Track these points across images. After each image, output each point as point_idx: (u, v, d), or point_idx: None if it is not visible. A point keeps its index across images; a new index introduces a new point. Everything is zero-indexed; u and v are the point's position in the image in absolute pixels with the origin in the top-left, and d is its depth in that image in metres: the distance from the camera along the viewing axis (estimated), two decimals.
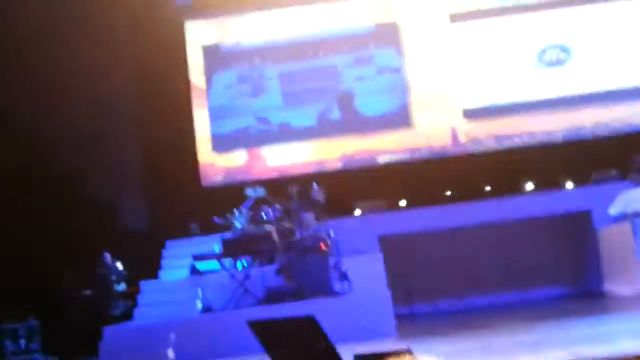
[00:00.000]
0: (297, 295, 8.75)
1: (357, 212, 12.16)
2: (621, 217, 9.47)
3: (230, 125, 13.46)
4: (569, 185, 12.30)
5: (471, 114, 13.23)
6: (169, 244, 11.56)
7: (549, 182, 12.30)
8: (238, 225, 10.39)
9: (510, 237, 12.13)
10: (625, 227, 9.29)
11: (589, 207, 11.29)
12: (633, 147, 11.52)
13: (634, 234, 8.98)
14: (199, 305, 9.51)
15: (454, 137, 13.26)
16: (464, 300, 11.77)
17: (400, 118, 13.33)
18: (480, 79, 13.26)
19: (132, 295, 10.25)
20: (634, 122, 12.97)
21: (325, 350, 4.48)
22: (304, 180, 11.00)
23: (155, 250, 11.24)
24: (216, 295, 9.42)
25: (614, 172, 11.84)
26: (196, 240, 11.47)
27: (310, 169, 13.06)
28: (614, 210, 9.15)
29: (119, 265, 10.95)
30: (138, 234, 11.89)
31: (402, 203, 12.38)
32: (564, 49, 13.23)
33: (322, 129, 13.42)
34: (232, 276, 9.40)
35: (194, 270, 10.22)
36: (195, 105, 13.43)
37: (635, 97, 12.99)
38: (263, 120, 13.47)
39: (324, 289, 8.90)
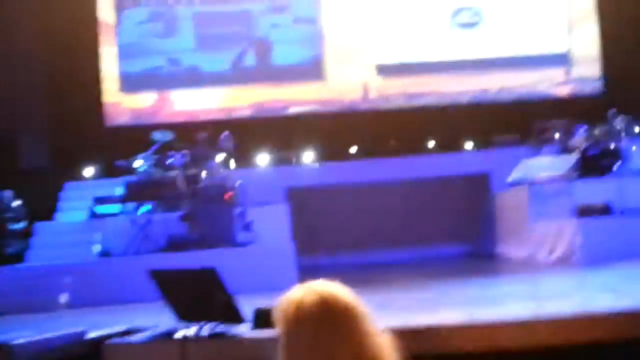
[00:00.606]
0: (199, 244, 8.68)
1: (265, 162, 12.13)
2: (518, 183, 9.84)
3: (139, 65, 13.05)
4: (471, 147, 12.66)
5: (384, 70, 13.33)
6: (68, 185, 11.20)
7: (452, 144, 12.62)
8: (142, 169, 10.15)
9: (413, 195, 12.45)
10: (521, 192, 9.68)
11: (488, 170, 11.70)
12: (534, 114, 11.94)
13: (529, 199, 9.37)
14: (97, 249, 9.28)
15: (365, 92, 13.36)
16: (366, 254, 12.04)
17: (313, 70, 13.28)
18: (394, 35, 13.34)
19: (27, 236, 9.90)
20: (537, 89, 13.43)
21: (225, 302, 4.50)
22: (212, 127, 10.84)
23: (54, 191, 10.86)
24: (116, 240, 9.22)
25: (514, 137, 12.28)
26: (97, 182, 11.16)
27: (219, 116, 12.88)
28: (512, 177, 9.49)
29: (17, 204, 10.53)
30: (37, 173, 11.42)
31: (310, 156, 12.43)
32: (477, 13, 13.45)
33: (234, 76, 13.21)
34: (134, 221, 9.21)
35: (93, 213, 9.96)
36: (102, 42, 12.91)
37: (540, 65, 13.42)
38: (174, 61, 13.12)
39: (228, 239, 8.87)
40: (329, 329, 1.92)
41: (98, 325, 4.99)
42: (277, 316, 1.98)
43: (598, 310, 4.19)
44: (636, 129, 10.71)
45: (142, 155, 10.21)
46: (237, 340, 4.25)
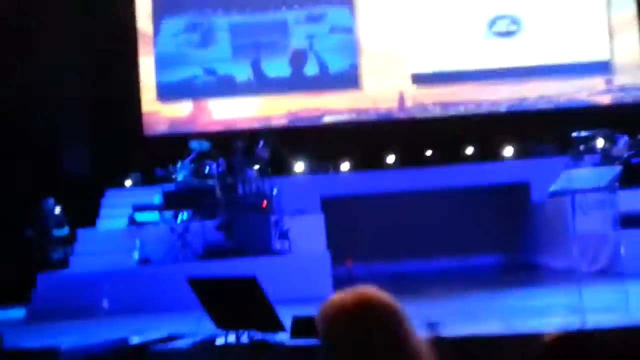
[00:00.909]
0: (236, 252, 8.71)
1: (301, 171, 12.13)
2: (560, 193, 9.68)
3: (177, 75, 13.17)
4: (510, 156, 12.52)
5: (419, 79, 13.26)
6: (109, 192, 11.34)
7: (490, 153, 12.50)
8: (180, 177, 10.24)
9: (450, 204, 12.34)
10: (563, 203, 9.53)
11: (528, 180, 11.55)
12: (575, 123, 11.77)
13: (573, 209, 9.21)
14: (136, 256, 9.38)
15: (401, 101, 13.30)
16: (401, 264, 11.96)
17: (349, 79, 13.27)
18: (430, 44, 13.28)
19: (69, 243, 10.04)
20: (577, 98, 13.24)
21: (265, 311, 4.49)
22: (249, 136, 10.89)
23: (95, 198, 11.01)
24: (154, 247, 9.30)
25: (554, 146, 12.12)
26: (136, 190, 11.28)
27: (255, 125, 12.94)
28: (554, 187, 9.34)
29: (59, 211, 10.71)
30: (78, 181, 11.60)
31: (346, 165, 12.41)
32: (515, 21, 13.33)
33: (271, 84, 13.27)
34: (172, 229, 9.28)
35: (132, 221, 10.06)
36: (141, 52, 13.07)
37: (580, 73, 13.23)
38: (210, 71, 13.23)
39: (264, 247, 8.89)
40: (371, 328, 1.92)
41: (139, 332, 5.02)
42: (319, 319, 1.99)
43: None
44: None
45: (180, 164, 10.32)
46: (277, 348, 4.25)
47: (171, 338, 4.77)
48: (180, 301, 6.51)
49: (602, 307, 5.08)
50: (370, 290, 2.01)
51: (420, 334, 1.99)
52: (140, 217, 9.94)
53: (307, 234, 9.69)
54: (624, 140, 10.59)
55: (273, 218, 9.38)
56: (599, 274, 8.16)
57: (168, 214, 9.73)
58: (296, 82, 13.27)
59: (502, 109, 13.21)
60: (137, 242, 9.54)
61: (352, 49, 13.31)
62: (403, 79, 13.26)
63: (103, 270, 8.67)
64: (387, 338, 1.91)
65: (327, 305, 1.99)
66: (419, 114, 13.19)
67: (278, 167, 10.94)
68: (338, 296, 2.00)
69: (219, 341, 4.40)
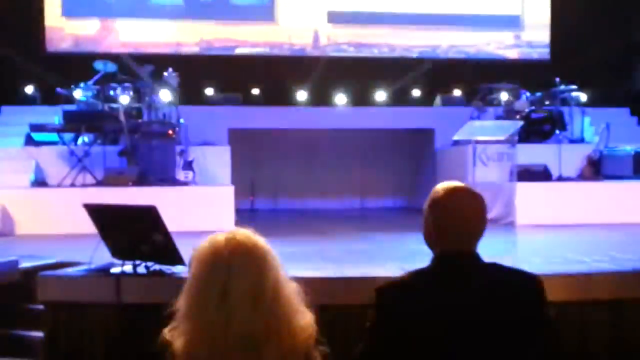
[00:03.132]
0: (138, 180, 8.52)
1: (210, 101, 11.92)
2: (462, 143, 9.95)
3: None
4: (417, 102, 12.71)
5: (335, 18, 13.17)
6: (4, 109, 10.79)
7: (399, 97, 12.66)
8: (83, 98, 9.86)
9: (356, 145, 12.48)
10: (464, 152, 9.81)
11: (433, 127, 11.79)
12: (482, 74, 12.06)
13: (473, 159, 9.50)
14: (32, 177, 9.02)
15: (316, 38, 13.20)
16: (304, 202, 12.06)
17: (265, 11, 13.03)
18: None
19: None
20: (486, 50, 13.52)
21: (163, 242, 4.43)
22: (158, 61, 10.57)
23: None
24: (52, 169, 8.97)
25: (460, 95, 12.39)
26: (35, 108, 10.79)
27: (166, 50, 12.56)
28: (457, 136, 9.59)
29: None
30: None
31: (256, 98, 12.27)
32: None
33: (185, 9, 12.85)
34: (71, 152, 8.97)
35: (29, 140, 9.64)
36: None
37: (491, 25, 13.48)
38: None
39: (168, 177, 8.74)
40: (233, 273, 1.94)
41: (30, 257, 4.88)
42: (191, 258, 2.01)
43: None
44: (580, 97, 10.92)
45: (84, 84, 9.91)
46: (174, 279, 4.21)
47: (63, 264, 4.65)
48: (75, 227, 6.35)
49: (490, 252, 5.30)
50: (244, 234, 2.02)
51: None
52: (38, 137, 9.53)
53: (212, 165, 9.61)
54: (526, 95, 10.94)
55: (178, 147, 9.21)
56: (492, 222, 8.48)
57: (68, 135, 9.36)
58: (210, 11, 12.91)
59: (415, 54, 13.35)
60: (33, 163, 9.16)
61: None
62: (319, 16, 13.13)
63: None
64: (246, 285, 1.92)
65: (199, 246, 2.01)
66: (333, 53, 13.15)
67: (187, 95, 10.70)
68: (212, 237, 2.03)
69: (114, 270, 4.31)
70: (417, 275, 2.40)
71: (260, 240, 2.04)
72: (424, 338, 2.25)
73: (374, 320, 2.34)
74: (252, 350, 1.91)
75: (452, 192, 2.44)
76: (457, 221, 2.39)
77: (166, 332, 2.03)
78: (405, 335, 2.26)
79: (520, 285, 2.37)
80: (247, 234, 2.05)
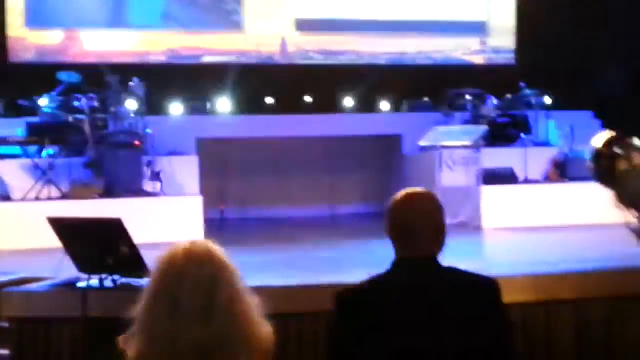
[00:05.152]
0: (105, 191, 8.43)
1: (177, 111, 11.85)
2: (429, 148, 10.03)
3: (48, 1, 12.39)
4: (385, 109, 12.78)
5: (303, 26, 13.19)
6: None
7: (367, 104, 12.70)
8: (47, 110, 9.73)
9: (325, 152, 12.49)
10: (431, 157, 9.88)
11: (400, 133, 11.86)
12: (449, 80, 12.15)
13: (439, 164, 9.58)
14: None
15: (283, 46, 13.21)
16: (274, 210, 12.03)
17: (231, 20, 13.00)
18: None
19: None
20: (452, 56, 13.64)
21: (130, 254, 4.39)
22: (124, 71, 10.47)
23: None
24: (15, 183, 8.82)
25: (427, 101, 12.48)
26: None
27: (132, 59, 12.45)
28: (424, 142, 9.66)
29: None
30: None
31: (224, 107, 12.23)
32: None
33: (151, 18, 12.76)
34: (36, 165, 8.84)
35: None
36: None
37: (455, 32, 13.60)
38: None
39: (134, 188, 8.66)
40: (195, 282, 1.92)
41: None
42: (152, 270, 2.01)
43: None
44: (544, 101, 11.08)
45: (47, 95, 9.79)
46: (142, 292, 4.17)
47: (28, 280, 4.58)
48: (40, 242, 6.26)
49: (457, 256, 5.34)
50: (202, 245, 2.02)
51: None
52: (1, 150, 9.38)
53: (180, 176, 9.54)
54: (492, 100, 11.07)
55: (145, 158, 9.13)
56: (459, 227, 8.55)
57: (32, 148, 9.23)
58: (177, 19, 12.85)
59: (382, 61, 13.42)
60: None
61: None
62: (286, 24, 13.14)
63: None
64: (198, 297, 1.91)
65: (160, 255, 2.01)
66: (301, 61, 13.16)
67: (153, 105, 10.62)
68: (171, 247, 2.02)
69: (81, 285, 4.26)
70: (376, 280, 2.44)
71: (218, 251, 2.03)
72: (382, 343, 2.27)
73: (333, 325, 2.38)
74: None
75: (407, 198, 2.50)
76: (412, 226, 2.44)
77: (121, 340, 2.01)
78: (363, 339, 2.29)
79: (478, 288, 2.40)
80: (205, 244, 2.04)
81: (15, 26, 12.24)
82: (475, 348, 2.29)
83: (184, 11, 12.90)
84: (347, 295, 2.40)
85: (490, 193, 8.62)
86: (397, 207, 2.49)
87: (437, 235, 2.46)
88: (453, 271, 2.44)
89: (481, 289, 2.39)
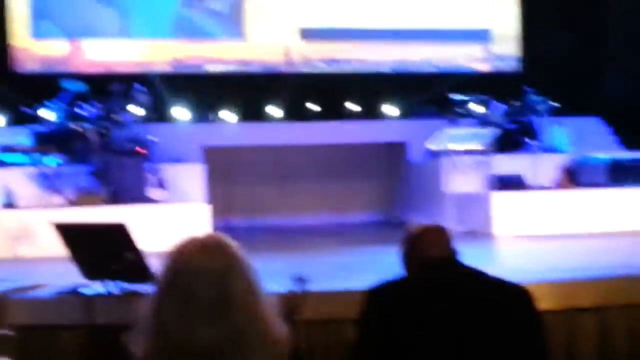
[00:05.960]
0: (110, 199, 8.40)
1: (182, 119, 11.84)
2: (436, 153, 9.96)
3: (53, 12, 12.41)
4: (390, 116, 12.74)
5: (307, 34, 13.19)
6: None
7: (372, 111, 12.67)
8: (52, 119, 9.71)
9: (330, 160, 12.46)
10: (438, 163, 9.81)
11: (406, 140, 11.82)
12: (453, 87, 12.10)
13: (448, 169, 9.51)
14: (2, 200, 8.84)
15: (287, 55, 13.19)
16: (281, 218, 11.98)
17: (235, 29, 13.00)
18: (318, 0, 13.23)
19: None
20: (457, 63, 13.60)
21: (135, 260, 4.33)
22: (128, 80, 10.46)
23: None
24: (22, 191, 8.79)
25: (432, 108, 12.44)
26: (3, 130, 10.61)
27: (137, 69, 12.45)
28: (432, 145, 9.59)
29: None
30: None
31: (229, 115, 12.21)
32: None
33: (155, 29, 12.77)
34: (42, 173, 8.82)
35: None
36: None
37: (459, 40, 13.57)
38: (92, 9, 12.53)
39: (140, 196, 8.62)
40: (208, 275, 1.83)
41: (1, 279, 4.73)
42: (163, 263, 1.93)
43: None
44: (551, 107, 11.01)
45: (53, 104, 9.78)
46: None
47: (34, 287, 4.52)
48: (47, 249, 6.22)
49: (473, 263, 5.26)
50: (216, 237, 1.93)
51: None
52: (8, 158, 9.36)
53: (186, 183, 9.50)
54: (496, 106, 11.01)
55: (150, 166, 9.10)
56: (469, 233, 8.46)
57: (38, 156, 9.21)
58: (182, 29, 12.86)
59: (386, 69, 13.39)
60: (3, 185, 8.97)
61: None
62: (290, 32, 13.13)
63: None
64: (213, 291, 1.82)
65: (172, 247, 1.93)
66: (305, 69, 13.14)
67: (159, 114, 10.61)
68: (184, 239, 1.95)
69: (86, 291, 4.21)
70: (404, 281, 2.51)
71: (232, 243, 1.95)
72: (411, 337, 2.27)
73: (364, 319, 2.42)
74: None
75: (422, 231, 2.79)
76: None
77: (127, 339, 1.90)
78: (394, 333, 2.29)
79: (510, 295, 2.39)
80: (218, 236, 1.96)
81: (21, 36, 12.26)
82: (506, 354, 2.26)
83: (189, 21, 12.91)
84: (380, 289, 2.49)
85: (501, 199, 8.53)
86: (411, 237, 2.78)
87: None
88: (480, 273, 2.51)
89: (515, 296, 2.40)
